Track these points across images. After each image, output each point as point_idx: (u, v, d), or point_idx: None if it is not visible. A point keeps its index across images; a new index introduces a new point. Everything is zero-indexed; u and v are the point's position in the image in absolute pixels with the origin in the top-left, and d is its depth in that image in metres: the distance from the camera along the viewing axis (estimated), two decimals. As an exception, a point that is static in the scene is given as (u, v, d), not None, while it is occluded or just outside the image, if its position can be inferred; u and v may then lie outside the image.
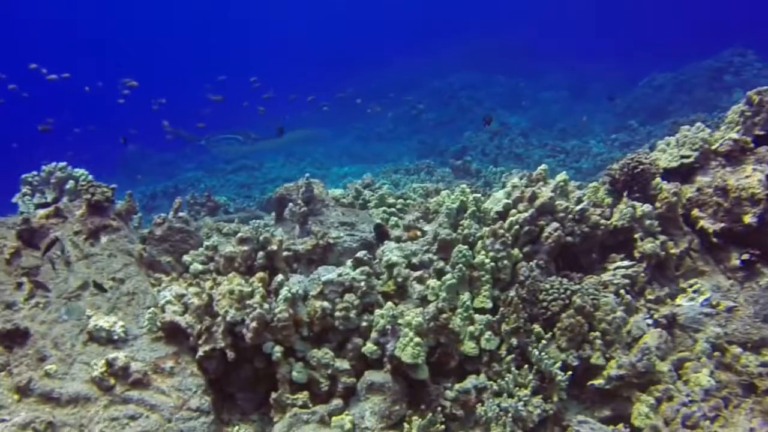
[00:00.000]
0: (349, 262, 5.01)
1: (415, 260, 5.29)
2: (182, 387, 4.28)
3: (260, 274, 4.53)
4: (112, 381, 4.12)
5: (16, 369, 4.13)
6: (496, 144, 18.84)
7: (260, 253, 4.81)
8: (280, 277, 4.63)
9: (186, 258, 5.51)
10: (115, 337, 4.45)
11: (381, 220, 6.42)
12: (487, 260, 4.99)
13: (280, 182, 19.42)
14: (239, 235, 4.89)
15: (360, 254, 4.93)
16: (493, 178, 13.31)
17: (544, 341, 4.62)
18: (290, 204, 5.72)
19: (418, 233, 5.70)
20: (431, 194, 7.55)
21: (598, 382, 4.58)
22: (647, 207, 5.48)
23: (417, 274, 5.10)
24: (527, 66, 32.74)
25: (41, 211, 5.41)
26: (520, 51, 35.22)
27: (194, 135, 14.33)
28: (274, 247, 4.82)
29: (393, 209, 6.81)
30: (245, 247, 4.82)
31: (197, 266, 5.37)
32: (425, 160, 18.53)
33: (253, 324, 4.27)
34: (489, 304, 4.92)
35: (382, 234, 5.65)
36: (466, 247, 5.04)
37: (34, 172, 6.88)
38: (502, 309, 4.81)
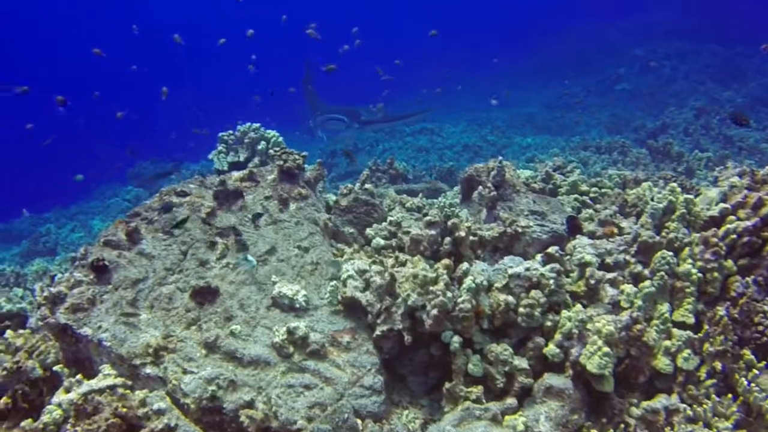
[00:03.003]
0: (538, 257, 4.77)
1: (609, 260, 4.91)
2: (357, 363, 4.38)
3: (445, 261, 4.46)
4: (291, 349, 4.31)
5: (205, 325, 4.46)
6: (702, 123, 16.95)
7: (447, 239, 4.74)
8: (465, 265, 4.53)
9: (369, 231, 5.61)
10: (297, 306, 4.64)
11: (572, 209, 6.06)
12: (694, 270, 4.49)
13: (459, 148, 19.40)
14: (427, 218, 4.85)
15: (552, 250, 4.67)
16: (698, 165, 11.99)
17: (756, 371, 4.08)
18: (480, 187, 5.57)
19: (615, 230, 5.28)
20: (629, 184, 6.97)
21: (820, 427, 3.96)
22: None
23: (611, 275, 4.73)
24: (747, 33, 28.97)
25: (236, 174, 5.76)
26: (742, 15, 31.16)
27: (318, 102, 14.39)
28: (462, 234, 4.72)
29: (586, 198, 6.41)
30: (432, 231, 4.78)
31: (380, 241, 5.45)
32: (618, 137, 17.28)
33: (434, 311, 4.23)
34: (691, 319, 4.44)
35: (574, 227, 5.31)
36: (670, 253, 4.57)
37: (230, 131, 7.41)
38: (707, 327, 4.31)
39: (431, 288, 4.33)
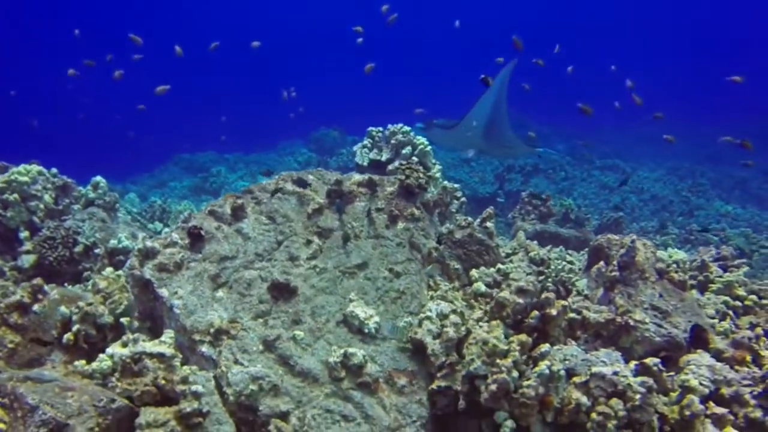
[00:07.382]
0: (632, 364, 4.12)
1: (726, 391, 4.11)
2: (404, 411, 4.10)
3: (522, 337, 4.02)
4: (342, 373, 4.12)
5: (272, 321, 4.42)
6: None
7: (534, 313, 4.28)
8: (546, 347, 4.05)
9: (474, 273, 5.27)
10: (365, 331, 4.43)
11: (716, 312, 5.22)
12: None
13: (647, 197, 17.81)
14: (520, 284, 4.41)
15: (650, 362, 4.01)
16: None
17: None
18: (601, 263, 4.96)
19: (748, 357, 4.42)
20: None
21: None
22: None
23: (720, 411, 3.96)
24: None
25: (356, 177, 5.63)
26: None
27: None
28: (553, 312, 4.23)
29: (737, 303, 5.48)
30: (520, 300, 4.34)
31: (480, 287, 5.09)
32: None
33: (493, 387, 3.84)
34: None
35: (699, 339, 4.54)
36: (802, 411, 3.72)
37: (380, 128, 7.34)
38: None
39: (498, 361, 3.94)
